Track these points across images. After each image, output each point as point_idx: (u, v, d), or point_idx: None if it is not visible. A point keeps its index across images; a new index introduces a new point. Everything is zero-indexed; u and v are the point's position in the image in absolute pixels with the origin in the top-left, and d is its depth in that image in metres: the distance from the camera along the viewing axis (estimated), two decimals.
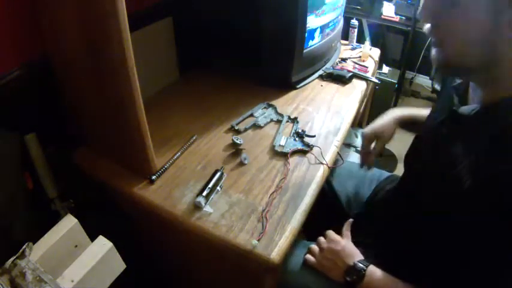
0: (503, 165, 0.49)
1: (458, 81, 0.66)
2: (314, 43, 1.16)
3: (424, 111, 0.92)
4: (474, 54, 0.52)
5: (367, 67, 1.30)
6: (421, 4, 0.54)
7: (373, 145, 0.98)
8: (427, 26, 0.56)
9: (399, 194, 0.85)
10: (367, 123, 1.92)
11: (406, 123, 0.97)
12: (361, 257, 0.76)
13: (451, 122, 0.63)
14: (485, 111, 0.56)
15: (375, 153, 0.98)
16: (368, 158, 1.00)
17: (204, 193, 0.76)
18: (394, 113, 0.97)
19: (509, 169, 0.48)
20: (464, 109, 0.60)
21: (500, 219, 0.50)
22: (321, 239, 0.83)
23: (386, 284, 0.69)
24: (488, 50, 0.51)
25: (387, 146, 2.15)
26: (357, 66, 1.31)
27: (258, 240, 0.69)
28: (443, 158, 0.61)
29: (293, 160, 0.88)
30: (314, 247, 0.82)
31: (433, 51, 0.58)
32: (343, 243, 0.79)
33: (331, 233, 0.83)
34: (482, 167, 0.52)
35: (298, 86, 1.19)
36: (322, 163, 0.88)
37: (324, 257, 0.79)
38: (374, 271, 0.71)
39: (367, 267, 0.72)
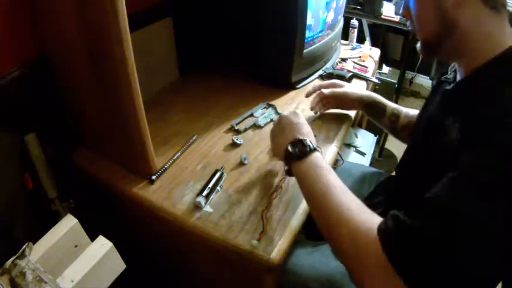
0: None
1: (449, 76, 0.72)
2: (314, 43, 1.16)
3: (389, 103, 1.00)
4: (435, 31, 0.61)
5: (367, 67, 1.30)
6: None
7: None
8: (408, 22, 0.67)
9: (392, 195, 0.85)
10: (367, 123, 1.93)
11: (371, 104, 1.00)
12: (316, 143, 0.70)
13: (442, 103, 0.68)
14: (462, 84, 0.63)
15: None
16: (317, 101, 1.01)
17: (204, 193, 0.76)
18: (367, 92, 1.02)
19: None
20: (450, 86, 0.66)
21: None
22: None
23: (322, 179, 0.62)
24: (442, 24, 0.60)
25: (387, 146, 2.15)
26: (357, 66, 1.31)
27: (258, 240, 0.69)
28: (435, 133, 0.64)
29: None
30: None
31: (418, 44, 0.68)
32: (303, 120, 0.75)
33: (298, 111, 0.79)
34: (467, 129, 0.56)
35: (298, 86, 1.19)
36: None
37: (279, 122, 0.76)
38: (319, 159, 0.65)
39: (315, 150, 0.67)
